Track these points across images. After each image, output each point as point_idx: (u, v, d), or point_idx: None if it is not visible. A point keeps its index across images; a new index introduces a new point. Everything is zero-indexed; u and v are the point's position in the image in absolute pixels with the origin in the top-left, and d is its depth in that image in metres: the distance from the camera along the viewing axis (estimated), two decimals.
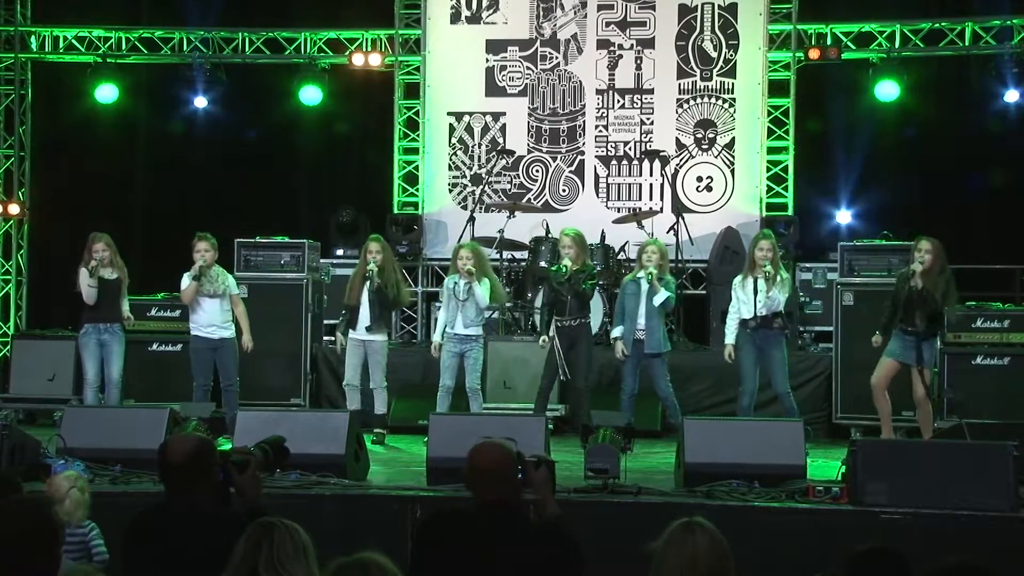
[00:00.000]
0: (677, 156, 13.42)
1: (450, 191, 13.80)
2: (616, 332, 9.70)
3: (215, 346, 9.71)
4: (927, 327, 9.03)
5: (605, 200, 13.53)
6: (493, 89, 13.75)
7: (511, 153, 13.54)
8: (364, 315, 9.75)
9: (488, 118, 13.76)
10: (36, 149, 14.42)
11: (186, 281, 9.75)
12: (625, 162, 13.59)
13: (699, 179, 13.45)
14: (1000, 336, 10.70)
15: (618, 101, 13.60)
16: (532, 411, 9.55)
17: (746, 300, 9.38)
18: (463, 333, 9.65)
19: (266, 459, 4.76)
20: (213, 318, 9.70)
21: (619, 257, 12.14)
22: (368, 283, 9.73)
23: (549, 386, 9.81)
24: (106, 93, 13.98)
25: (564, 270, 9.67)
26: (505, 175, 13.67)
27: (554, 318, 9.79)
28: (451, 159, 13.81)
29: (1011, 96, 13.13)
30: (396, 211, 13.87)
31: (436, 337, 9.91)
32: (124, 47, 14.25)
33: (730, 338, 9.46)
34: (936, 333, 9.37)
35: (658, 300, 9.49)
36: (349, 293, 9.89)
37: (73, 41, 14.30)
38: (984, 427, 8.03)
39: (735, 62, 13.41)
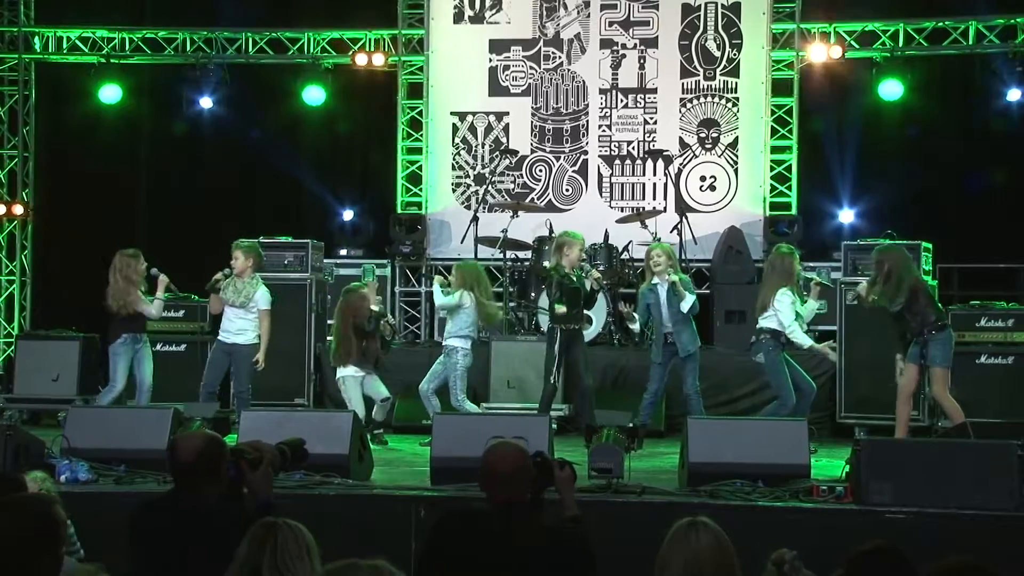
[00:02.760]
0: (680, 156, 13.41)
1: (453, 191, 13.80)
2: (636, 327, 9.80)
3: (228, 350, 9.68)
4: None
5: (608, 200, 13.52)
6: (496, 89, 13.74)
7: (514, 153, 13.52)
8: None
9: (491, 118, 13.75)
10: (40, 150, 14.44)
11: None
12: (628, 162, 13.58)
13: (702, 178, 13.44)
14: (1004, 335, 10.69)
15: (621, 101, 13.59)
16: (536, 411, 9.53)
17: (793, 315, 9.15)
18: (442, 340, 9.72)
19: (283, 459, 4.74)
20: (229, 324, 9.68)
21: (623, 257, 12.13)
22: None
23: (555, 386, 9.78)
24: (110, 93, 14.00)
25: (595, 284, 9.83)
26: (508, 175, 13.66)
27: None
28: (454, 159, 13.81)
29: (1014, 95, 13.12)
30: (399, 211, 13.87)
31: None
32: (128, 47, 14.25)
33: (810, 341, 9.24)
34: (934, 327, 8.78)
35: (686, 306, 9.48)
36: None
37: (76, 42, 14.31)
38: (988, 426, 8.02)
39: (738, 61, 13.40)
